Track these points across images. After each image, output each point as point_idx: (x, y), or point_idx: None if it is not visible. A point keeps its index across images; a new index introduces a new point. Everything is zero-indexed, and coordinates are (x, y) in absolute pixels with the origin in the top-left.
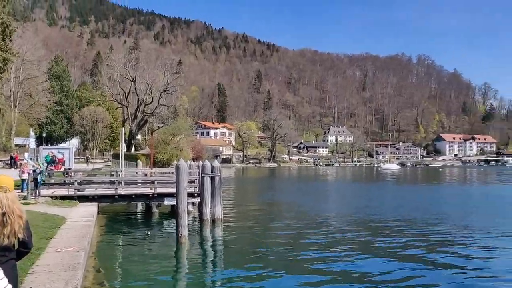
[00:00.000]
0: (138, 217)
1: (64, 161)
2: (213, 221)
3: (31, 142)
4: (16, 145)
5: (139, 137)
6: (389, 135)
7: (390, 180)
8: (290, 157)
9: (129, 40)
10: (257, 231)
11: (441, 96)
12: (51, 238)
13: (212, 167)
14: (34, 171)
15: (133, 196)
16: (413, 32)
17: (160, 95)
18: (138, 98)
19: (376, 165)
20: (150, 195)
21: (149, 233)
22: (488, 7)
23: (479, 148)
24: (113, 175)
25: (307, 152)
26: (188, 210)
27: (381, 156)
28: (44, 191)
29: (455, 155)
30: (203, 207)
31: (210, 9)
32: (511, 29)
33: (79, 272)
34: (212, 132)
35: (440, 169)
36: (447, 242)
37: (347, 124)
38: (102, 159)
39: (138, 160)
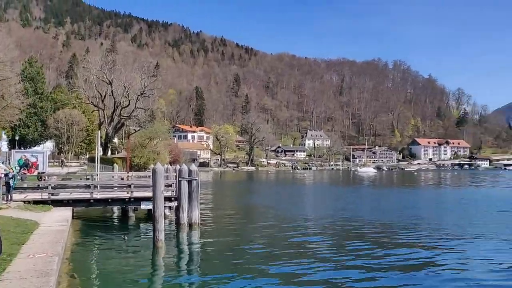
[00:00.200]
0: (114, 222)
1: (38, 164)
2: (190, 226)
3: (3, 146)
4: None
5: (115, 140)
6: (366, 139)
7: (367, 183)
8: (268, 161)
9: (106, 43)
10: (234, 235)
11: (416, 101)
12: (23, 244)
13: (190, 171)
14: (6, 175)
15: (109, 200)
16: (389, 38)
17: (137, 98)
18: (114, 101)
19: (352, 168)
20: (127, 199)
21: (125, 237)
22: (462, 16)
23: (453, 152)
24: (88, 179)
25: (285, 156)
26: (165, 214)
27: (357, 160)
28: (16, 196)
29: (430, 159)
30: (180, 211)
31: (188, 12)
32: (483, 37)
33: (52, 278)
34: (189, 135)
35: (415, 173)
36: (419, 245)
37: (324, 128)
38: (78, 162)
39: (115, 164)
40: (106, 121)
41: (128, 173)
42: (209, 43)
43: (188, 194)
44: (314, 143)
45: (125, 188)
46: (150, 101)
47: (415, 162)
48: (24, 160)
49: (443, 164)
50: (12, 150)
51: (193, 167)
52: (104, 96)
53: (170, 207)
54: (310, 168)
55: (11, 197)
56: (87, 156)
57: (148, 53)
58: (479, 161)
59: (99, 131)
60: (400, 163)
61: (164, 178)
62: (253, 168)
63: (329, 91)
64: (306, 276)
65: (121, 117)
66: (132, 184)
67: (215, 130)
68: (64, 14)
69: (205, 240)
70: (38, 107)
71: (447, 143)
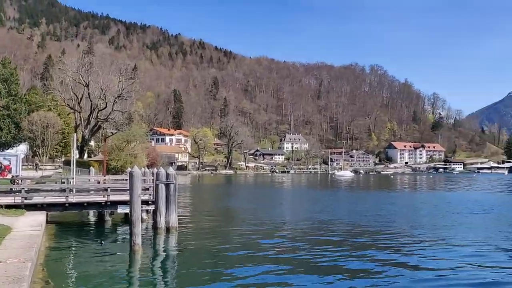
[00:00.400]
0: (90, 226)
1: (11, 168)
2: (167, 229)
3: None
4: None
5: (92, 143)
6: (343, 142)
7: (344, 187)
8: (247, 164)
9: (83, 44)
10: (212, 239)
11: (393, 105)
12: None
13: (167, 174)
14: None
15: (85, 204)
16: (366, 43)
17: (115, 100)
18: (91, 104)
19: (330, 172)
20: (103, 203)
21: (102, 242)
22: (436, 23)
23: (429, 156)
24: (63, 183)
25: (263, 159)
26: (142, 218)
27: (335, 163)
28: None
29: (406, 163)
30: (157, 215)
31: (167, 15)
32: (458, 43)
33: (24, 285)
34: (167, 138)
35: (392, 176)
36: (393, 247)
37: (302, 131)
38: (53, 166)
39: (91, 167)
40: (83, 123)
41: (104, 176)
42: (188, 46)
43: (166, 198)
44: (293, 147)
45: (101, 192)
46: (128, 104)
47: (392, 165)
48: None
49: (419, 168)
50: None
51: (171, 170)
52: (81, 99)
53: (147, 211)
54: (288, 172)
55: None
56: (63, 159)
57: (126, 55)
58: (454, 164)
59: (75, 133)
60: (377, 166)
61: (142, 181)
62: (231, 171)
63: (307, 95)
64: (283, 279)
65: (98, 119)
66: (109, 187)
67: (193, 133)
68: (39, 15)
69: (183, 244)
70: (11, 109)
71: (423, 147)
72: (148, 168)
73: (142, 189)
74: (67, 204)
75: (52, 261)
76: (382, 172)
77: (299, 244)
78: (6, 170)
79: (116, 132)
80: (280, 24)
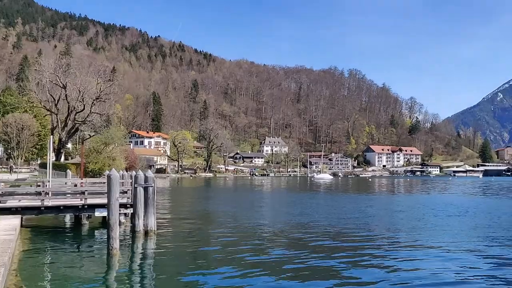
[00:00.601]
0: (66, 230)
1: None
2: (146, 233)
3: None
4: None
5: (69, 145)
6: (322, 146)
7: (323, 190)
8: (226, 167)
9: (60, 45)
10: (191, 242)
11: (371, 109)
12: None
13: (146, 177)
14: None
15: (62, 208)
16: (345, 47)
17: (93, 102)
18: (68, 105)
19: (309, 175)
20: (80, 206)
21: (79, 246)
22: (414, 28)
23: (406, 159)
24: (39, 186)
25: (243, 162)
26: (120, 221)
27: (314, 167)
28: None
29: (384, 166)
30: (136, 219)
31: (146, 17)
32: (435, 48)
33: None
34: (146, 141)
35: (370, 179)
36: (369, 249)
37: (282, 135)
38: (28, 168)
39: (68, 170)
40: (60, 125)
41: (82, 179)
42: (167, 48)
43: (144, 201)
44: (272, 150)
45: (78, 195)
46: (106, 106)
47: (370, 168)
48: None
49: (397, 171)
50: None
51: (150, 173)
52: (58, 100)
53: (125, 214)
54: (268, 175)
55: None
56: (39, 162)
57: (104, 57)
58: (430, 168)
59: (51, 136)
60: (355, 169)
61: (120, 184)
62: (211, 174)
63: (287, 98)
64: (261, 280)
65: (76, 122)
66: (86, 190)
67: (172, 136)
68: (15, 14)
69: (162, 248)
70: None
71: (400, 150)
72: (127, 171)
73: (120, 192)
74: (42, 208)
75: (27, 266)
76: (360, 175)
77: (277, 246)
78: None
79: (94, 135)
80: (260, 28)
